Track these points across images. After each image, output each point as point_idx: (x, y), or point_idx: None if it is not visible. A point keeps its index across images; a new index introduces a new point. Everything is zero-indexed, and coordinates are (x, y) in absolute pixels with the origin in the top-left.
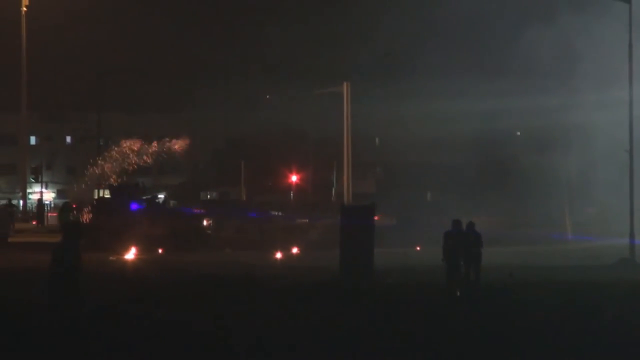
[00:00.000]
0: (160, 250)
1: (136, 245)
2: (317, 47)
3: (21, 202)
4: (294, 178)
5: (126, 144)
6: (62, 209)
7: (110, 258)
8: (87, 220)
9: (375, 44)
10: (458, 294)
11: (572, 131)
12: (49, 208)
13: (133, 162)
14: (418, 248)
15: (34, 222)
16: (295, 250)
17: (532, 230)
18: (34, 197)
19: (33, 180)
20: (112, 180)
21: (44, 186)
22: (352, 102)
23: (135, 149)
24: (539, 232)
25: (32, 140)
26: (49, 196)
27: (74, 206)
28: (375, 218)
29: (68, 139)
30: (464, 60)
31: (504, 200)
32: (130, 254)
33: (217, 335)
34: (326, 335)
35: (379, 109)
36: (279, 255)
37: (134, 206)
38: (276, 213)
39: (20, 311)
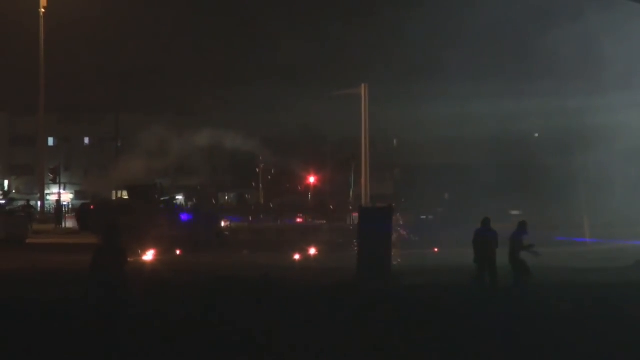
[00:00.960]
0: (178, 252)
1: (154, 246)
2: (335, 49)
3: (39, 203)
4: (311, 180)
5: None
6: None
7: (129, 259)
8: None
9: (394, 46)
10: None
11: (591, 133)
12: (66, 209)
13: None
14: (436, 249)
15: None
16: (312, 251)
17: (550, 231)
18: (52, 198)
19: (51, 182)
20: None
21: (62, 187)
22: (370, 104)
23: None
24: (556, 233)
25: (50, 141)
26: (67, 197)
27: (91, 207)
28: None
29: (86, 140)
30: (483, 62)
31: (522, 201)
32: (149, 255)
33: (232, 336)
34: (341, 336)
35: (397, 111)
36: (296, 256)
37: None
38: None
39: (40, 311)
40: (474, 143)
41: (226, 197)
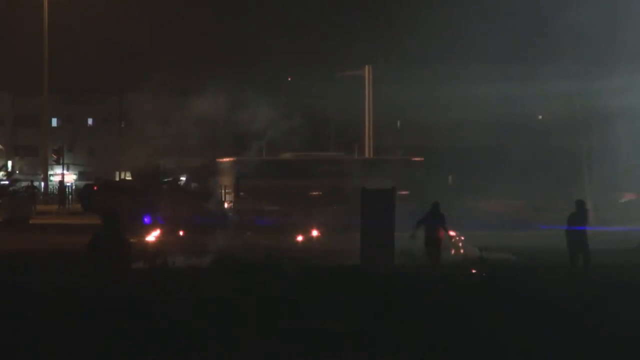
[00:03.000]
0: (181, 232)
1: (157, 227)
2: (339, 30)
3: (42, 184)
4: None
5: None
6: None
7: (132, 240)
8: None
9: (399, 26)
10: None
11: (601, 116)
12: (70, 190)
13: None
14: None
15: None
16: (315, 233)
17: (554, 214)
18: (56, 179)
19: (54, 162)
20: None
21: (65, 168)
22: (374, 86)
23: None
24: (559, 216)
25: (54, 122)
26: (70, 178)
27: (94, 188)
28: None
29: (90, 120)
30: (488, 44)
31: (528, 184)
32: (152, 236)
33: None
34: (342, 322)
35: (401, 93)
36: (299, 238)
37: None
38: None
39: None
40: (479, 126)
41: None
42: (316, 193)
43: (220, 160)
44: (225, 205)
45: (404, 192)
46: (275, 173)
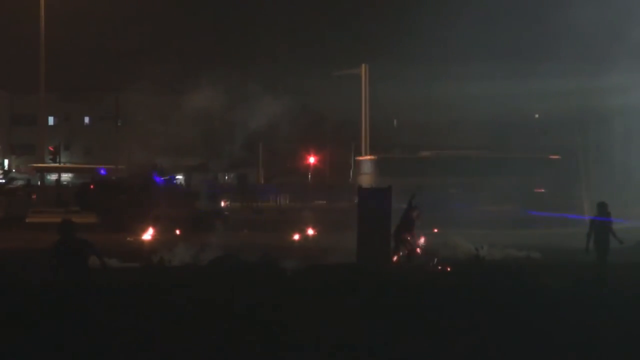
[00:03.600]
0: (177, 231)
1: (154, 225)
2: (336, 29)
3: (39, 182)
4: (311, 160)
5: None
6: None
7: (128, 239)
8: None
9: (396, 25)
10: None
11: (593, 113)
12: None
13: None
14: (435, 230)
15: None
16: (311, 231)
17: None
18: (52, 177)
19: (51, 161)
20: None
21: None
22: (371, 84)
23: None
24: (558, 214)
25: (51, 120)
26: (67, 176)
27: (91, 187)
28: None
29: (86, 119)
30: (484, 43)
31: (526, 182)
32: (148, 235)
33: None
34: (339, 320)
35: (397, 91)
36: (296, 236)
37: None
38: None
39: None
40: (476, 125)
41: (226, 177)
42: (454, 191)
43: (360, 158)
44: (222, 203)
45: (540, 190)
46: (415, 170)
